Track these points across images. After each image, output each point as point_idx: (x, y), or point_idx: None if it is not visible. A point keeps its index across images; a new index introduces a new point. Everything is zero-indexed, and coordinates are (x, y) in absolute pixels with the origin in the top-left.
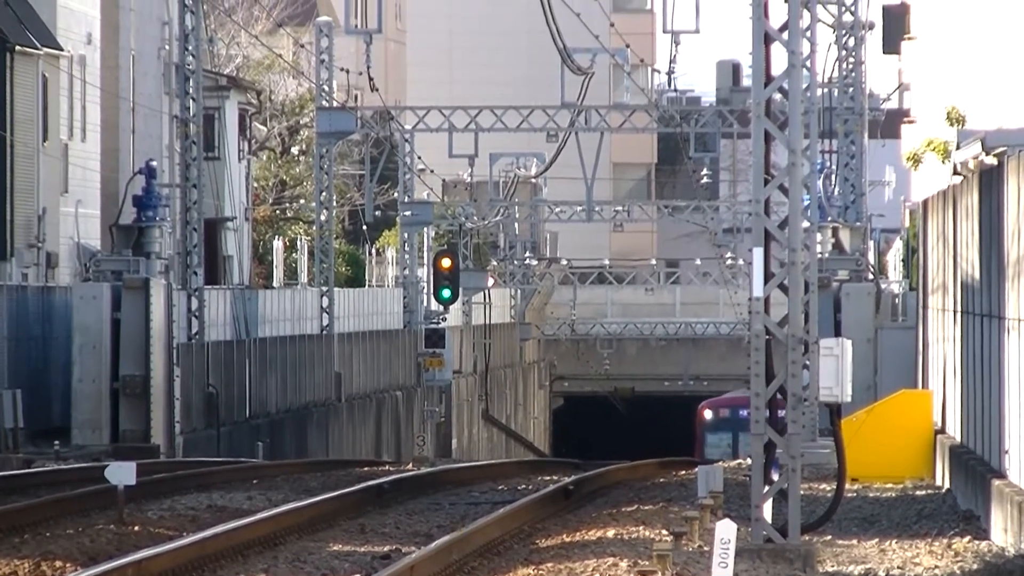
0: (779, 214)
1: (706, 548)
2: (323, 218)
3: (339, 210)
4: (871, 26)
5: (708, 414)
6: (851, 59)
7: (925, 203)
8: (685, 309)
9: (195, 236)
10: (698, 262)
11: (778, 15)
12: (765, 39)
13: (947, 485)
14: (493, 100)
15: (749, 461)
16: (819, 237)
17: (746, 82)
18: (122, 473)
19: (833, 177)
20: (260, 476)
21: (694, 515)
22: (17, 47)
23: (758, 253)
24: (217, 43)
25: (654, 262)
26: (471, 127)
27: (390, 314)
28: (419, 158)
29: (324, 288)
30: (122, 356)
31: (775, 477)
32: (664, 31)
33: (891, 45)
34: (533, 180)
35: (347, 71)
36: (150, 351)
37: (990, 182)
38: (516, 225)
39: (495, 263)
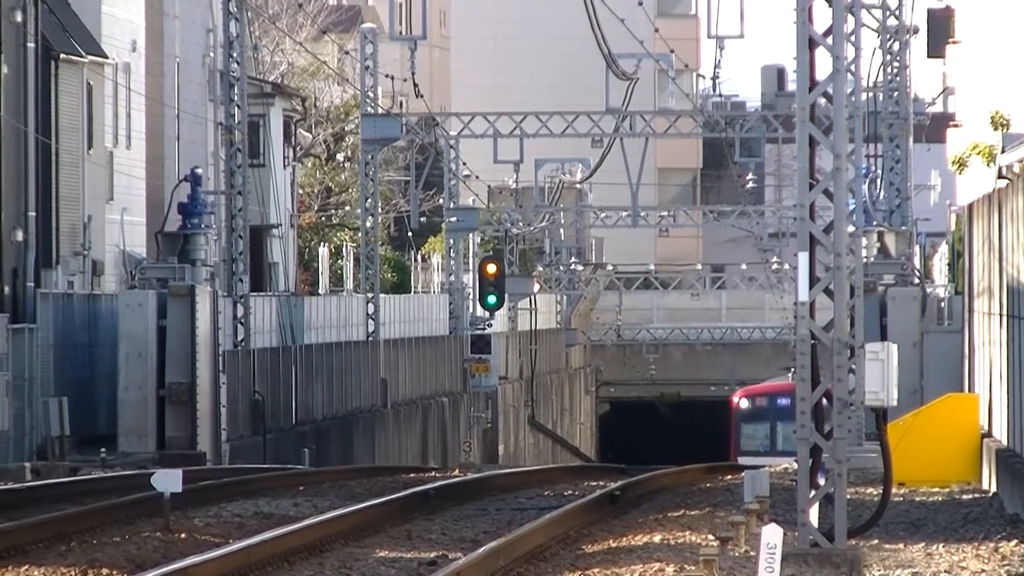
0: (824, 218)
1: (752, 553)
2: (368, 224)
3: (384, 216)
4: (915, 30)
5: (744, 403)
6: (895, 63)
7: (970, 207)
8: (731, 314)
9: (240, 243)
10: (743, 267)
11: (822, 20)
12: (809, 44)
13: (994, 489)
14: (538, 106)
15: (791, 463)
16: (864, 241)
17: (791, 87)
18: (168, 480)
19: (878, 181)
20: (306, 483)
21: (740, 520)
22: (62, 55)
23: (803, 258)
24: (262, 50)
25: (699, 267)
26: (516, 133)
27: (436, 320)
28: (464, 164)
29: (370, 294)
30: (168, 363)
31: (821, 481)
32: (709, 36)
33: (936, 49)
34: (578, 185)
35: (392, 77)
36: (196, 358)
37: None
38: (561, 231)
39: (541, 269)
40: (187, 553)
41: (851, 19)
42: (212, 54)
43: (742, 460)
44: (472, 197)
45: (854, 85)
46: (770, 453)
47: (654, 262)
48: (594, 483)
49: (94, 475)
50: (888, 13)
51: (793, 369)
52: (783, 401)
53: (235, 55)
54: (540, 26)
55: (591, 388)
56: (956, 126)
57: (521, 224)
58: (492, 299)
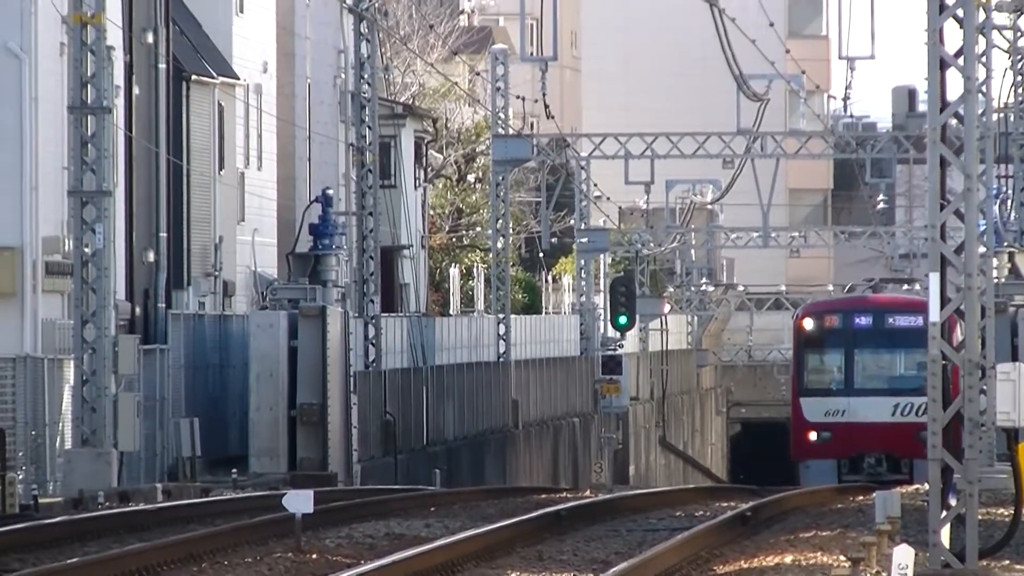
0: (955, 239)
1: (884, 574)
2: (499, 245)
3: (515, 237)
4: None
5: (809, 323)
6: None
7: None
8: None
9: (371, 264)
10: None
11: (953, 41)
12: (941, 65)
13: None
14: (669, 127)
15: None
16: (995, 262)
17: (922, 107)
18: (300, 501)
19: (1009, 202)
20: (437, 503)
21: (871, 540)
22: (194, 76)
23: (934, 278)
24: (393, 71)
25: (831, 288)
26: (647, 154)
27: (567, 341)
28: (595, 185)
29: (501, 315)
30: (299, 384)
31: (953, 502)
32: (840, 57)
33: None
34: (709, 206)
35: (523, 98)
36: (327, 379)
37: None
38: (692, 251)
39: (671, 289)
40: (319, 574)
41: (982, 40)
42: (343, 75)
43: (805, 402)
44: (603, 218)
45: (985, 106)
46: (845, 392)
47: (785, 283)
48: (725, 504)
49: (225, 496)
50: (1019, 34)
51: (874, 280)
52: (863, 320)
53: (366, 76)
54: (671, 47)
55: (722, 409)
56: None
57: (652, 245)
58: (623, 320)
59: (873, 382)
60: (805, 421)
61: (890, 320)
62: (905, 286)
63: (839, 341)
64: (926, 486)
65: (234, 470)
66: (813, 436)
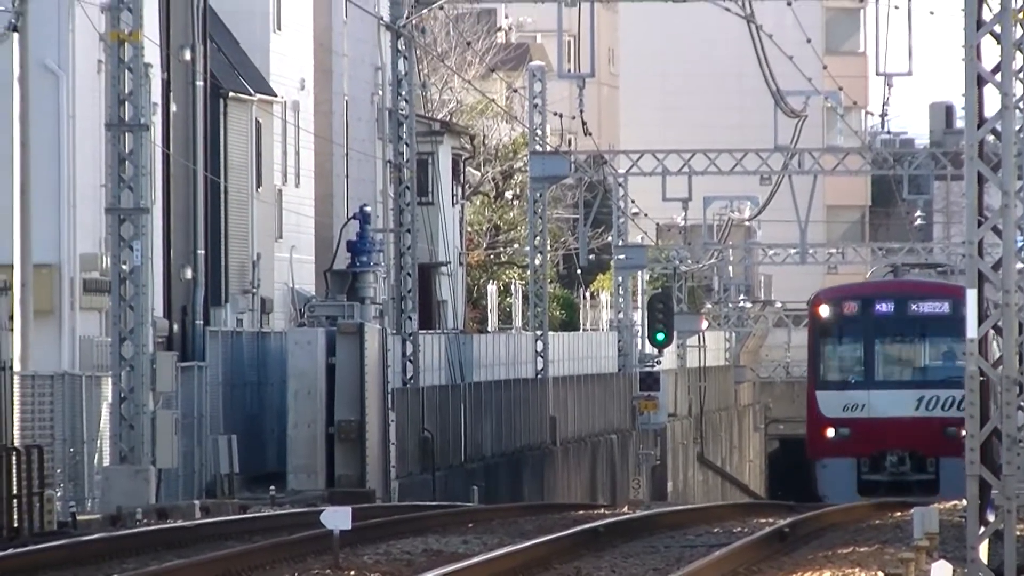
0: (993, 256)
1: None
2: (537, 262)
3: (553, 254)
4: None
5: (826, 311)
6: None
7: None
8: None
9: (409, 281)
10: None
11: (991, 57)
12: (978, 81)
13: None
14: (706, 143)
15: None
16: None
17: (959, 124)
18: (338, 518)
19: None
20: (475, 520)
21: (910, 556)
22: (231, 94)
23: (972, 295)
24: (430, 88)
25: None
26: (684, 170)
27: (604, 358)
28: (633, 201)
29: (538, 332)
30: (337, 401)
31: (991, 518)
32: (877, 74)
33: None
34: (747, 223)
35: (560, 115)
36: (365, 396)
37: None
38: (730, 268)
39: (709, 306)
40: None
41: (1020, 56)
42: (381, 92)
43: (821, 396)
44: (641, 235)
45: (1023, 122)
46: (865, 385)
47: None
48: (763, 520)
49: (263, 513)
50: None
51: (891, 268)
52: (884, 307)
53: (403, 93)
54: (708, 64)
55: (760, 425)
56: None
57: (690, 261)
58: (661, 336)
59: (895, 374)
60: (822, 416)
61: (914, 306)
62: (931, 271)
63: (858, 329)
64: (963, 502)
65: (272, 487)
66: (831, 433)
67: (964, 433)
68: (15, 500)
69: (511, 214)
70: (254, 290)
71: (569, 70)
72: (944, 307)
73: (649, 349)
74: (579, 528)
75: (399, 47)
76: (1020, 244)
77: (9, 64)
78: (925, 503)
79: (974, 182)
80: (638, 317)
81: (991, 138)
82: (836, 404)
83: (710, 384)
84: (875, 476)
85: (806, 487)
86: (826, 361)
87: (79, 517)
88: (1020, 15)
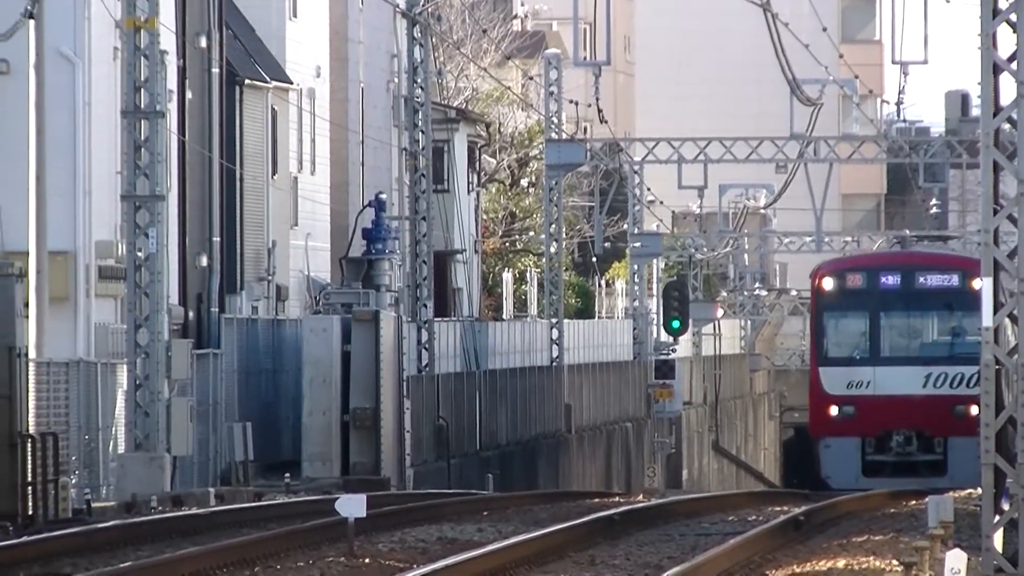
0: (1008, 244)
1: None
2: (552, 250)
3: (568, 242)
4: None
5: (829, 283)
6: None
7: None
8: None
9: (424, 269)
10: None
11: (1007, 45)
12: (994, 69)
13: None
14: (722, 131)
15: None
16: None
17: (975, 112)
18: (353, 505)
19: None
20: (490, 508)
21: (924, 545)
22: (247, 81)
23: (987, 283)
24: (446, 76)
25: None
26: (700, 158)
27: (619, 345)
28: (648, 189)
29: (554, 320)
30: (352, 389)
31: (1005, 507)
32: (893, 62)
33: None
34: (762, 211)
35: (576, 103)
36: (380, 384)
37: None
38: (745, 256)
39: (724, 294)
40: None
41: None
42: (396, 80)
43: (824, 372)
44: (656, 223)
45: None
46: (870, 361)
47: None
48: (778, 508)
49: (278, 500)
50: None
51: (898, 239)
52: (890, 279)
53: (419, 81)
54: (724, 52)
55: (775, 413)
56: None
57: (705, 249)
58: (676, 324)
59: (902, 349)
60: (825, 394)
61: (921, 279)
62: (940, 243)
63: (863, 303)
64: (978, 491)
65: (287, 474)
66: (834, 411)
67: (974, 412)
68: (30, 487)
69: (526, 202)
70: (269, 277)
71: (585, 58)
72: (953, 279)
73: (664, 337)
74: (594, 516)
75: (415, 35)
76: None
77: (25, 51)
78: (931, 485)
79: (990, 170)
80: (653, 305)
81: (1007, 126)
82: (840, 381)
83: (725, 372)
84: (880, 456)
85: (810, 469)
86: (829, 336)
87: (94, 504)
88: None
